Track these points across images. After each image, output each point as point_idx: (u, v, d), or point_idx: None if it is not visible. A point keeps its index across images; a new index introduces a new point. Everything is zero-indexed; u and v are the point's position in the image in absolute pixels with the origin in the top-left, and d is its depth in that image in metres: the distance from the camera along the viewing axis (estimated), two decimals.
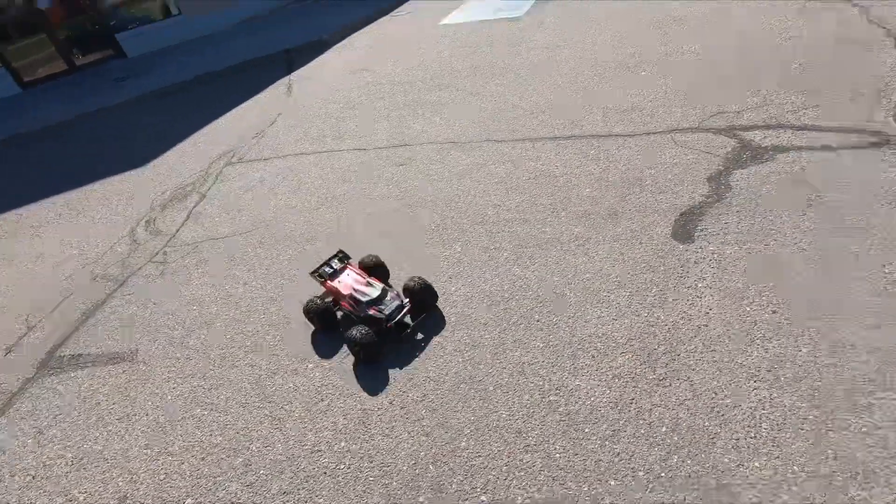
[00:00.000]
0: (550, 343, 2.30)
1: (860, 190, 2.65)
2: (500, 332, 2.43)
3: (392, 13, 9.95)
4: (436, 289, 2.61)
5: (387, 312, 2.46)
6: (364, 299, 2.51)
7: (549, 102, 4.50)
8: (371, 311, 2.48)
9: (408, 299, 2.55)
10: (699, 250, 2.57)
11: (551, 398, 2.07)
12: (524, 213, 3.18)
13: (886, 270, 2.20)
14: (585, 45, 5.59)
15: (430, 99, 5.32)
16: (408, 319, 2.54)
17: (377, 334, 2.40)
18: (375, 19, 9.71)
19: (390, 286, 2.69)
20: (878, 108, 3.23)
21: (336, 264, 2.77)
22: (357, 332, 2.36)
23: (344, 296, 2.59)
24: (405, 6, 10.25)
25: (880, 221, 2.44)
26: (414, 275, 2.63)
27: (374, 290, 2.55)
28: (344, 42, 8.65)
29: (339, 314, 2.74)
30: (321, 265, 2.78)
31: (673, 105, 3.90)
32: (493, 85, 5.22)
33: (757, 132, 3.32)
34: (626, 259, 2.64)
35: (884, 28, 4.16)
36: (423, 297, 2.56)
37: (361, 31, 9.14)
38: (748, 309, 2.21)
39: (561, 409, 2.02)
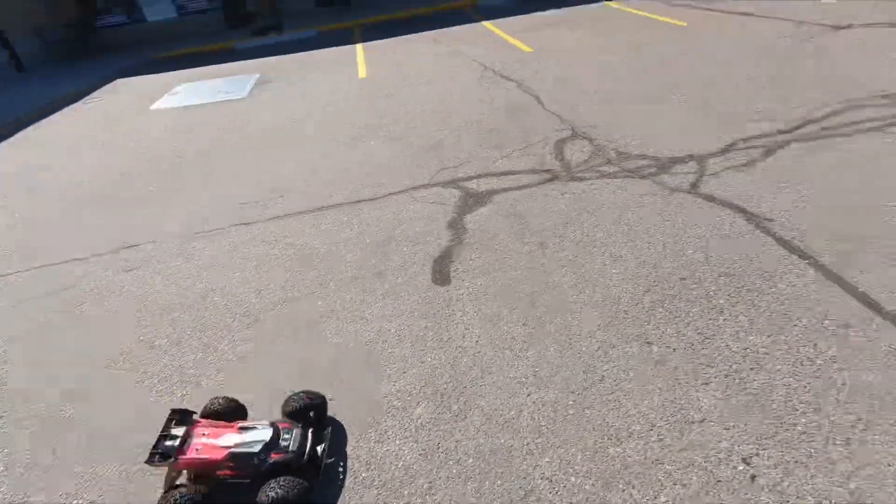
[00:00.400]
0: (350, 418, 2.22)
1: (548, 212, 3.43)
2: None
3: (84, 100, 8.61)
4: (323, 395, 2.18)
5: (295, 447, 1.92)
6: (256, 449, 1.89)
7: (290, 178, 4.52)
8: (275, 457, 1.89)
9: (300, 425, 2.03)
10: (457, 288, 2.90)
11: (363, 475, 1.98)
12: (291, 292, 3.06)
13: (580, 265, 2.88)
14: (309, 121, 5.88)
15: (156, 190, 4.73)
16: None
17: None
18: (62, 107, 8.23)
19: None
20: (544, 152, 4.29)
21: (178, 431, 1.99)
22: (278, 489, 1.77)
23: (218, 462, 1.90)
24: (101, 92, 9.03)
25: (568, 232, 3.20)
26: (294, 392, 2.14)
27: (262, 430, 1.96)
28: (17, 137, 7.04)
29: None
30: (157, 442, 1.94)
31: (405, 167, 4.40)
32: (225, 167, 4.97)
33: (472, 181, 4.00)
34: (400, 313, 2.78)
35: (533, 96, 5.61)
36: (315, 414, 2.08)
37: (43, 122, 7.61)
38: (506, 328, 2.58)
39: (377, 483, 1.95)
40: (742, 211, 3.15)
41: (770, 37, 6.48)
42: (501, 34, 8.78)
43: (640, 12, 8.87)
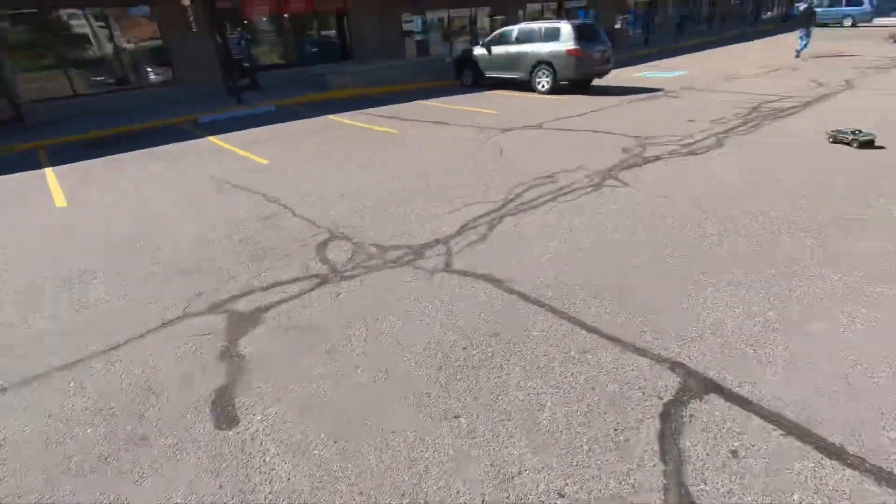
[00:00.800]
0: None
1: (328, 316, 3.41)
2: None
3: None
4: None
5: None
6: None
7: None
8: None
9: None
10: (249, 426, 2.54)
11: None
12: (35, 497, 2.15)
13: (374, 360, 2.92)
14: (17, 263, 4.53)
15: None
16: None
17: None
18: None
19: None
20: (308, 258, 4.30)
21: None
22: None
23: None
24: None
25: (353, 331, 3.21)
26: None
27: None
28: None
29: None
30: None
31: (151, 303, 3.74)
32: None
33: (239, 302, 3.67)
34: (181, 479, 2.25)
35: (282, 205, 5.62)
36: None
37: None
38: (317, 452, 2.36)
39: None
40: (489, 279, 3.76)
41: (463, 138, 8.20)
42: (232, 148, 8.64)
43: (357, 123, 10.06)
